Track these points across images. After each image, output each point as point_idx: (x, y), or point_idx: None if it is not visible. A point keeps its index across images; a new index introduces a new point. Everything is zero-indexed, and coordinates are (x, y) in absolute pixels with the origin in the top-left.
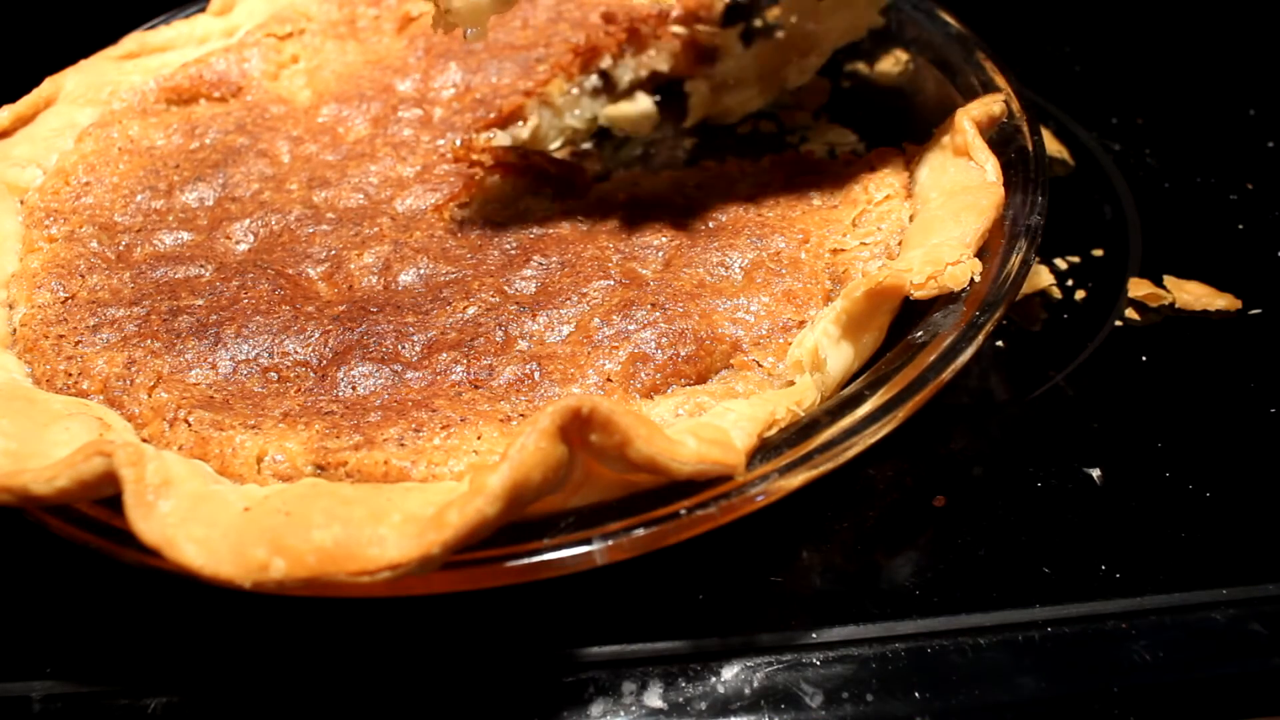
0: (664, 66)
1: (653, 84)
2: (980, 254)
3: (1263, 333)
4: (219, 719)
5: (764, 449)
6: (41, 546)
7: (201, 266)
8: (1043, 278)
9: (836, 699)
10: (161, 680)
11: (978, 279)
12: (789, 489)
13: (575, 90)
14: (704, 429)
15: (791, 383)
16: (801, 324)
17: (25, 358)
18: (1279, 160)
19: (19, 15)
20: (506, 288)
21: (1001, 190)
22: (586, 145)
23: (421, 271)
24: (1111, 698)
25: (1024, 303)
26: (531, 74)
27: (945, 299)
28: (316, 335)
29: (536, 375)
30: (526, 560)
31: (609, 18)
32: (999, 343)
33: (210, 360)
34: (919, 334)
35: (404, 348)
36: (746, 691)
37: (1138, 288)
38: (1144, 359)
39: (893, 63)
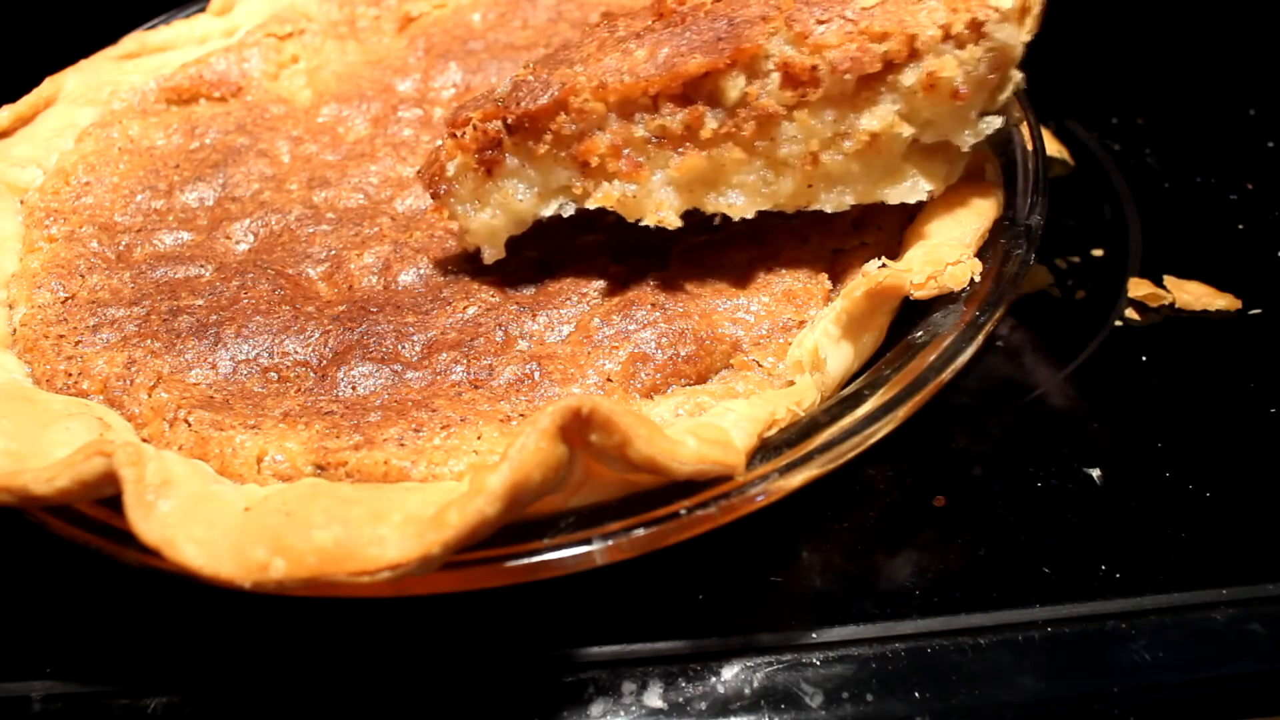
0: None
1: None
2: (980, 254)
3: (1263, 333)
4: (219, 719)
5: (764, 449)
6: (41, 546)
7: (201, 266)
8: (1043, 278)
9: (836, 699)
10: (161, 680)
11: (978, 279)
12: (789, 489)
13: None
14: (704, 429)
15: (791, 383)
16: (801, 324)
17: (25, 358)
18: (1279, 160)
19: (19, 15)
20: (506, 287)
21: (1001, 190)
22: None
23: (421, 271)
24: (1111, 698)
25: (1024, 303)
26: None
27: (945, 299)
28: (316, 335)
29: (536, 375)
30: (526, 560)
31: (609, 17)
32: (999, 343)
33: (210, 360)
34: (919, 334)
35: (404, 348)
36: (746, 691)
37: (1138, 288)
38: (1144, 359)
39: None
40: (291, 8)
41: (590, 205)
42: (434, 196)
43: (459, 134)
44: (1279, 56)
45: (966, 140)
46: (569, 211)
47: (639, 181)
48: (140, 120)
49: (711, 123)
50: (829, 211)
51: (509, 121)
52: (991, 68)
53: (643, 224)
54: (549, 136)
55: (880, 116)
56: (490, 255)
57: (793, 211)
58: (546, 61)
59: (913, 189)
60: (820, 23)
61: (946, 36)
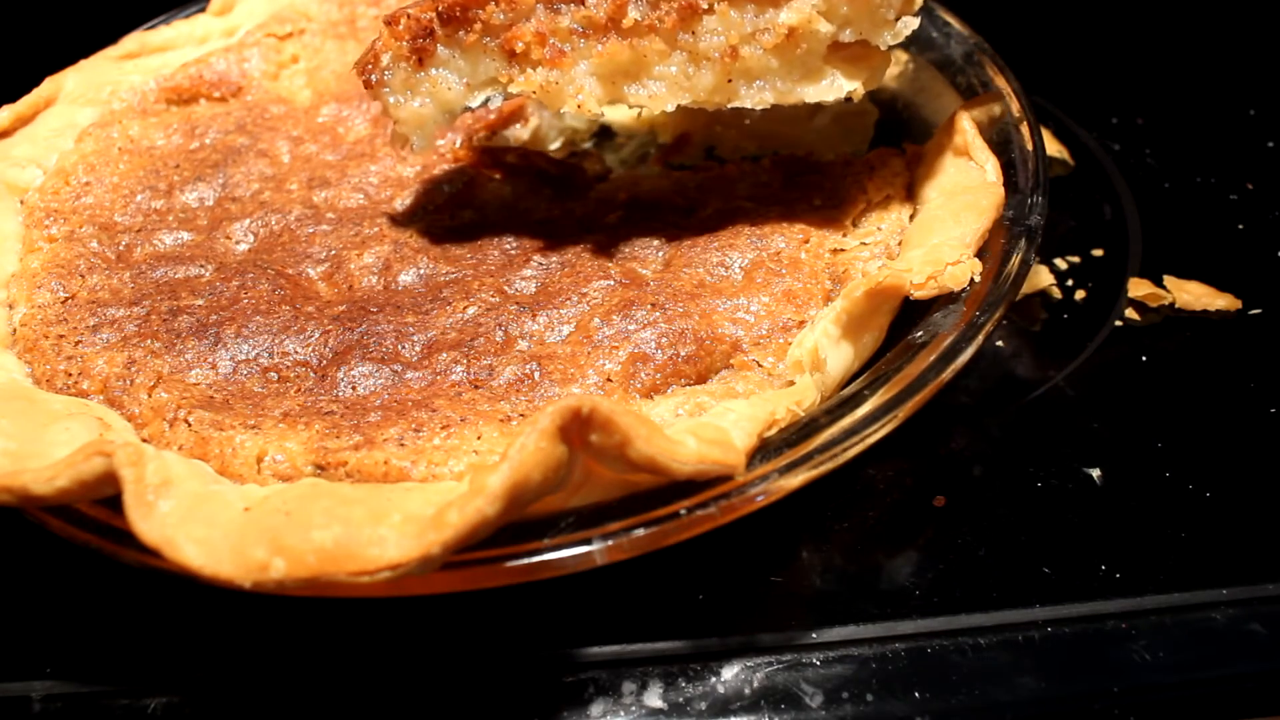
0: None
1: None
2: (980, 254)
3: (1263, 333)
4: (219, 719)
5: (764, 449)
6: (41, 546)
7: (201, 266)
8: (1043, 278)
9: (836, 699)
10: (161, 680)
11: (978, 279)
12: (789, 489)
13: None
14: (704, 429)
15: (791, 383)
16: (801, 324)
17: (25, 358)
18: (1279, 160)
19: (19, 15)
20: (506, 288)
21: (1001, 190)
22: (587, 145)
23: (421, 271)
24: (1111, 698)
25: (1024, 303)
26: None
27: (945, 299)
28: (316, 335)
29: (536, 375)
30: (526, 560)
31: None
32: (999, 343)
33: (210, 360)
34: (919, 334)
35: (404, 348)
36: (746, 691)
37: (1138, 288)
38: (1144, 359)
39: (892, 63)
40: (291, 8)
41: (514, 90)
42: (366, 86)
43: (395, 25)
44: (1279, 56)
45: (885, 40)
46: (496, 103)
47: (563, 69)
48: (140, 120)
49: (634, 13)
50: (749, 107)
51: (440, 10)
52: None
53: (563, 111)
54: (479, 26)
55: (798, 10)
56: (419, 146)
57: (713, 109)
58: None
59: (831, 87)
60: None
61: None
